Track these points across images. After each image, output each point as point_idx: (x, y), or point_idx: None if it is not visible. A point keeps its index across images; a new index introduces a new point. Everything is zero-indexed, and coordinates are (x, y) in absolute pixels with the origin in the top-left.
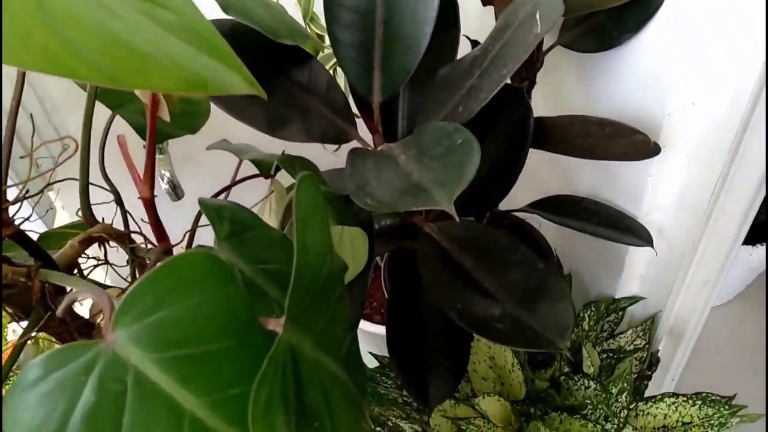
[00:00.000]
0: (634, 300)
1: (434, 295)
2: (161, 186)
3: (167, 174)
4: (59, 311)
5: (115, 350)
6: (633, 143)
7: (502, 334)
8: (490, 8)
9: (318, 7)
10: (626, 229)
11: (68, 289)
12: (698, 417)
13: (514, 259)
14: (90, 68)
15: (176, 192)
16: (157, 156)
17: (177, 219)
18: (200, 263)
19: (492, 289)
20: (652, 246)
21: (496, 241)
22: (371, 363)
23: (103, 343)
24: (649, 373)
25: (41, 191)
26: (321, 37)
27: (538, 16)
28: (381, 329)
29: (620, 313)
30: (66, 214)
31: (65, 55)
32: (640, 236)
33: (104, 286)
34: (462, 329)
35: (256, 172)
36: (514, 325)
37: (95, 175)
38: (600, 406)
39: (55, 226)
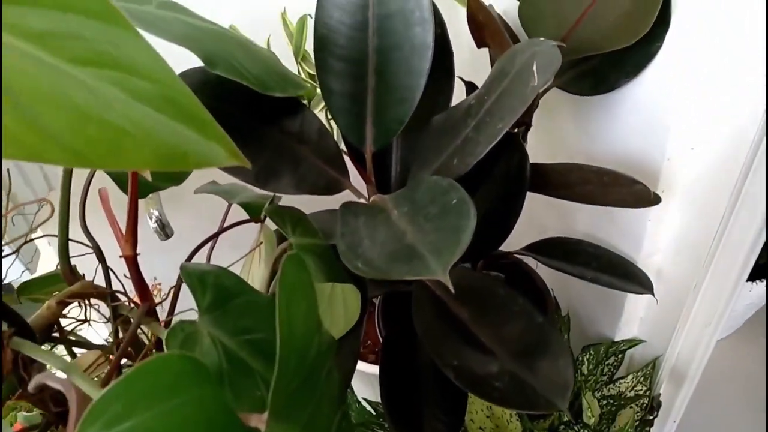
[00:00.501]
0: (634, 343)
1: (429, 348)
2: (149, 225)
3: (156, 213)
4: (30, 387)
5: None
6: (633, 192)
7: (500, 394)
8: (485, 49)
9: (310, 45)
10: (626, 276)
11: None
12: None
13: (512, 310)
14: (60, 149)
15: (165, 231)
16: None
17: (165, 254)
18: (174, 366)
19: (489, 343)
20: (653, 294)
21: (493, 290)
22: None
23: None
24: (651, 418)
25: (17, 250)
26: (313, 77)
27: (535, 68)
28: (375, 369)
29: (620, 356)
30: (52, 251)
31: (32, 137)
32: (641, 283)
33: (87, 345)
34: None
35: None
36: (512, 383)
37: (77, 228)
38: None
39: (39, 267)
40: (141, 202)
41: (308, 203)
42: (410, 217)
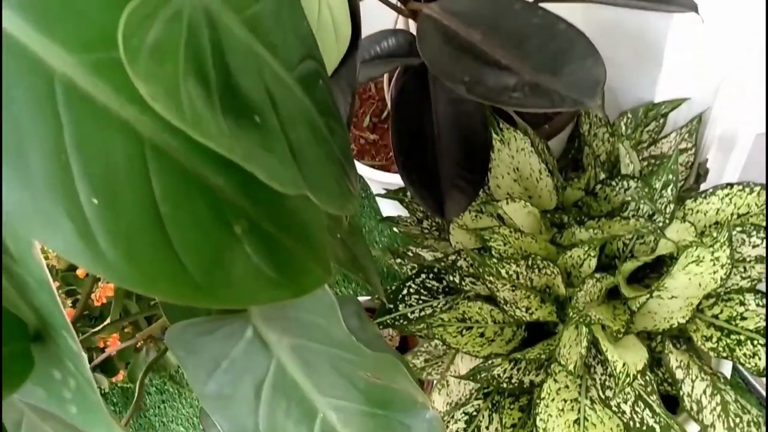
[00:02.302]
0: (676, 103)
1: (437, 72)
2: None
3: None
4: None
5: None
6: None
7: (519, 101)
8: None
9: None
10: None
11: None
12: (756, 205)
13: (531, 23)
14: None
15: None
16: None
17: None
18: None
19: (506, 60)
20: (697, 11)
21: (508, 8)
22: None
23: None
24: (697, 185)
25: None
26: None
27: None
28: (399, 180)
29: (661, 121)
30: None
31: None
32: (681, 3)
33: None
34: (478, 135)
35: None
36: (533, 91)
37: None
38: (643, 202)
39: None
40: None
41: None
42: None
